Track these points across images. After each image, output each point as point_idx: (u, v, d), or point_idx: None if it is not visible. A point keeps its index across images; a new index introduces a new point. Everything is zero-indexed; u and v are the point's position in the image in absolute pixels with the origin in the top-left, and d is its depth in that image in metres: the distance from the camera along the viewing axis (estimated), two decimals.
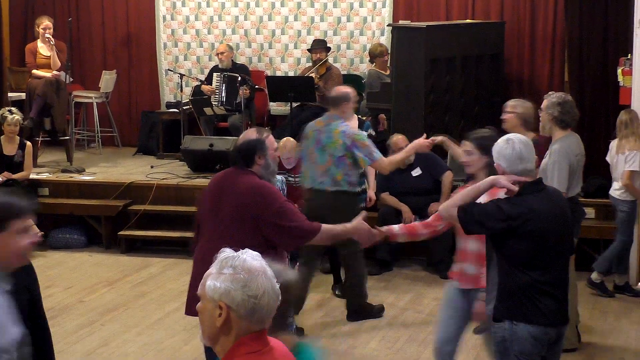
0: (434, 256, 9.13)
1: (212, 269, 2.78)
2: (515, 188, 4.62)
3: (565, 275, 4.77)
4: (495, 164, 4.79)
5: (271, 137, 5.32)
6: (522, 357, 4.65)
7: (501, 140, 4.80)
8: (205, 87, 11.51)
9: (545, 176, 6.37)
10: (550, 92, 6.93)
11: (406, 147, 7.36)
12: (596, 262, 8.46)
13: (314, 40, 11.61)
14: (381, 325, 7.62)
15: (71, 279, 8.95)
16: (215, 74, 11.53)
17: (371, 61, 11.15)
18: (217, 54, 11.72)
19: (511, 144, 4.71)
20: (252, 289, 2.72)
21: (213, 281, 2.75)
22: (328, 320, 7.81)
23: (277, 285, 2.79)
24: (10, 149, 9.69)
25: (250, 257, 2.78)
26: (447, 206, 4.77)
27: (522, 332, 4.63)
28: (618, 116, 8.33)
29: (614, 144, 8.32)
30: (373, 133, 9.02)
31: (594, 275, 8.44)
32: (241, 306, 2.71)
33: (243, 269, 2.74)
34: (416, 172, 9.07)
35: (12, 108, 9.95)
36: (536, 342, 4.63)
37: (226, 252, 2.81)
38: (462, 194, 4.77)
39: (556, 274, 4.69)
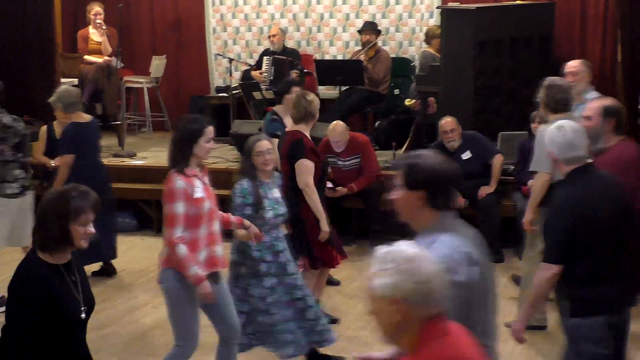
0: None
1: (373, 269, 2.80)
2: None
3: (622, 256, 4.69)
4: (548, 151, 4.75)
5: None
6: (597, 342, 4.61)
7: (554, 127, 4.75)
8: (255, 74, 11.54)
9: None
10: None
11: None
12: None
13: (365, 22, 11.59)
14: None
15: (123, 262, 9.06)
16: (265, 57, 11.56)
17: (427, 42, 11.07)
18: (269, 37, 11.73)
19: (562, 132, 4.67)
20: (419, 276, 2.73)
21: (379, 279, 2.76)
22: None
23: (442, 267, 2.81)
24: None
25: (406, 247, 2.79)
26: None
27: (593, 322, 4.59)
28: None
29: None
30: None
31: None
32: (413, 295, 2.72)
33: (404, 259, 2.75)
34: (466, 155, 9.00)
35: None
36: (608, 330, 4.60)
37: (381, 250, 2.82)
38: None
39: (613, 257, 4.62)
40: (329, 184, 9.08)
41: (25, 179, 7.64)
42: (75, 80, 11.74)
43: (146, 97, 12.39)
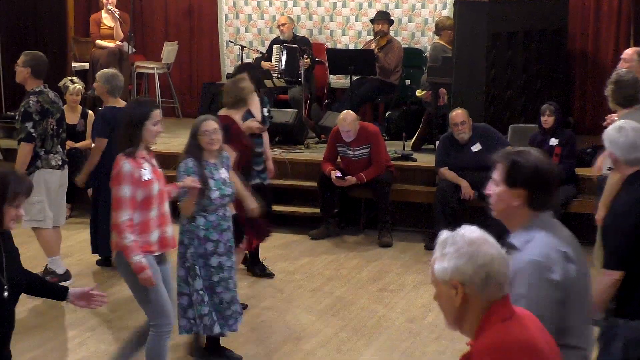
0: None
1: (436, 253, 2.78)
2: None
3: None
4: (608, 152, 4.69)
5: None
6: (631, 344, 4.49)
7: (613, 128, 4.67)
8: (265, 64, 11.53)
9: None
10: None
11: None
12: None
13: (378, 12, 11.57)
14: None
15: None
16: (275, 46, 11.55)
17: (437, 33, 11.02)
18: (278, 26, 11.75)
19: (624, 133, 4.59)
20: (480, 258, 2.71)
21: (440, 264, 2.75)
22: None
23: (504, 250, 2.78)
24: (72, 118, 9.81)
25: (469, 231, 2.77)
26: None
27: (634, 324, 4.48)
28: None
29: None
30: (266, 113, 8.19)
31: None
32: (474, 278, 2.71)
33: (464, 242, 2.74)
34: (475, 147, 8.97)
35: (74, 77, 10.07)
36: None
37: (443, 234, 2.81)
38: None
39: None
40: (338, 173, 9.08)
41: (64, 154, 7.85)
42: (87, 65, 11.76)
43: (157, 83, 12.40)
